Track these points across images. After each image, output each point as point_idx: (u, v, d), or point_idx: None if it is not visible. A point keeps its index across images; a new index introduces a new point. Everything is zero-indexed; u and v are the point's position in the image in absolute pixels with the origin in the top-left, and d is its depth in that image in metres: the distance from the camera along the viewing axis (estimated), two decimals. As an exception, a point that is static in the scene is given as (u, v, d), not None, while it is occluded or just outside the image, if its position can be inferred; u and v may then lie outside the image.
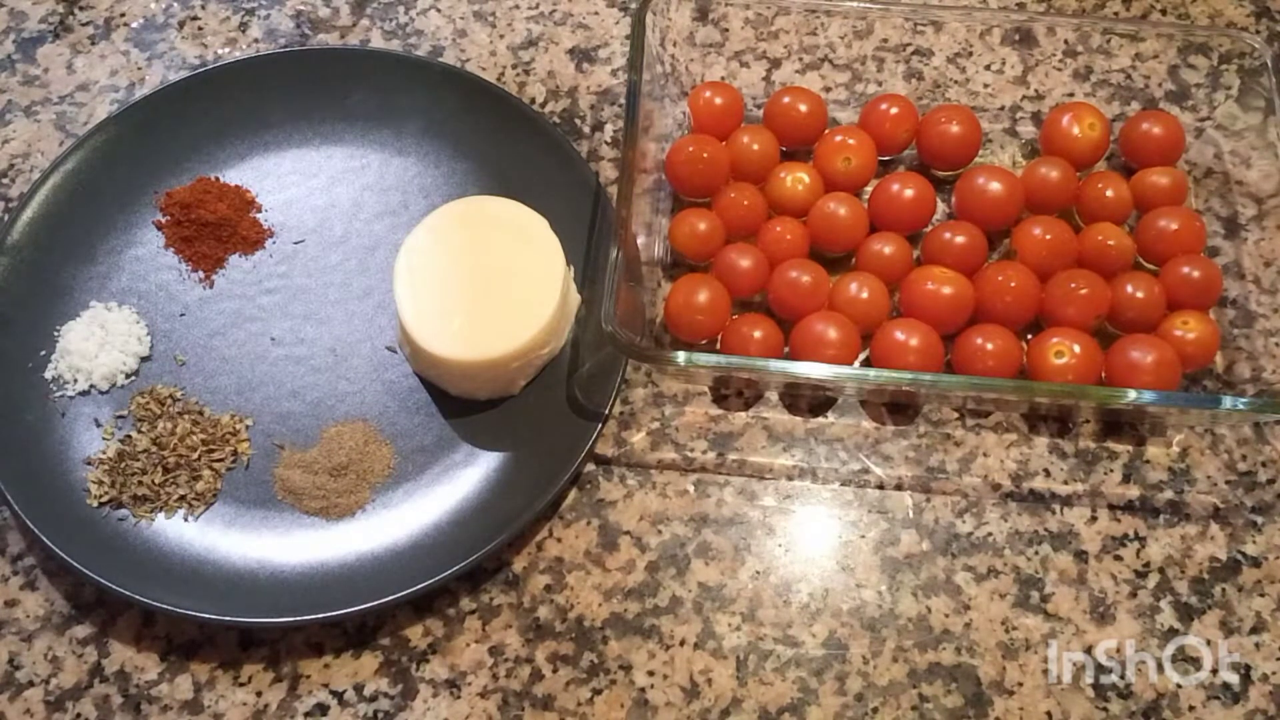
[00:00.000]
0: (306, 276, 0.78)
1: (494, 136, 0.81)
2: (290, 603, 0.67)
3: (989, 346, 0.71)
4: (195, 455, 0.72)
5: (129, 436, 0.72)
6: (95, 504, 0.70)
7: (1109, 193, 0.76)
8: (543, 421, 0.72)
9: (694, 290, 0.73)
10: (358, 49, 0.87)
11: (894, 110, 0.79)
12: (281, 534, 0.70)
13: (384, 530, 0.70)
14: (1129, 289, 0.73)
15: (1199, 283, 0.73)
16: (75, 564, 0.66)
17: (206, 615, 0.66)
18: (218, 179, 0.80)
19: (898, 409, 0.74)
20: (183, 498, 0.71)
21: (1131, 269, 0.75)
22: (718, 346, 0.73)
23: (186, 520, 0.70)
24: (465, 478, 0.72)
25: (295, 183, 0.81)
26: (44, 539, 0.67)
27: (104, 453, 0.72)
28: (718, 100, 0.80)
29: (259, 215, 0.80)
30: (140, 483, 0.70)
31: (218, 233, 0.78)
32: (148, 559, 0.69)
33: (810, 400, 0.74)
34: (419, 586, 0.66)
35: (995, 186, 0.76)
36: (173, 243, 0.78)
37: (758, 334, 0.72)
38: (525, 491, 0.70)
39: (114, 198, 0.79)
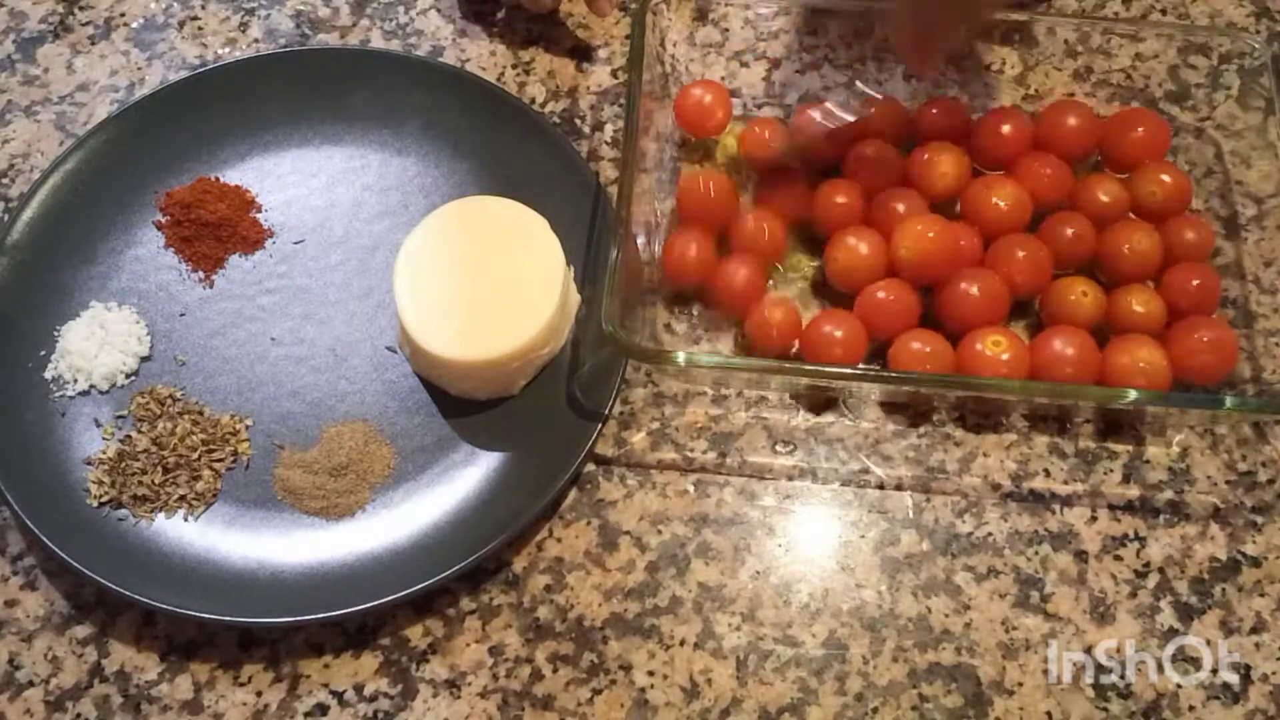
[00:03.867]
0: (306, 276, 0.78)
1: (494, 136, 0.81)
2: (290, 603, 0.67)
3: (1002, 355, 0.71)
4: (195, 455, 0.72)
5: (129, 436, 0.72)
6: (95, 504, 0.70)
7: (1104, 197, 0.76)
8: (543, 421, 0.72)
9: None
10: (358, 49, 0.87)
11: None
12: (281, 534, 0.70)
13: (384, 530, 0.70)
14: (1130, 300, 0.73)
15: (1197, 292, 0.74)
16: (75, 564, 0.66)
17: (206, 615, 0.66)
18: (218, 179, 0.80)
19: (898, 409, 0.74)
20: (182, 498, 0.71)
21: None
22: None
23: (186, 520, 0.70)
24: (465, 477, 0.72)
25: (295, 183, 0.81)
26: (44, 539, 0.67)
27: (104, 453, 0.72)
28: (706, 99, 0.80)
29: (259, 215, 0.80)
30: (140, 483, 0.70)
31: (218, 233, 0.78)
32: (148, 559, 0.69)
33: (810, 400, 0.74)
34: (419, 586, 0.66)
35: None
36: (173, 243, 0.78)
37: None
38: (525, 491, 0.70)
39: (114, 198, 0.79)
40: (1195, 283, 0.74)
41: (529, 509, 0.69)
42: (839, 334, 0.72)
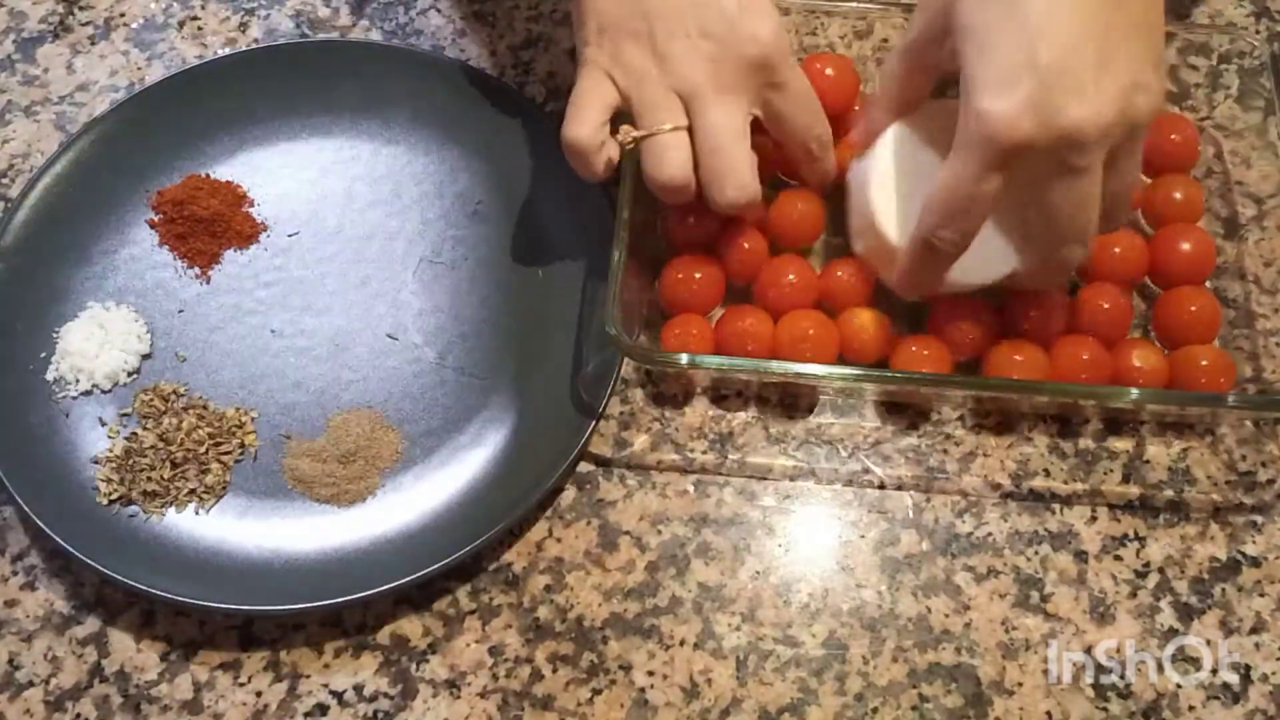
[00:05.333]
0: (303, 268, 0.78)
1: (482, 121, 0.82)
2: (308, 589, 0.67)
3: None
4: (203, 449, 0.72)
5: (135, 434, 0.72)
6: (105, 501, 0.70)
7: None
8: (548, 395, 0.73)
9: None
10: (339, 40, 0.87)
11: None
12: (294, 522, 0.71)
13: (397, 513, 0.71)
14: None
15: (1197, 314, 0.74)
16: (92, 563, 0.66)
17: (229, 606, 0.66)
18: (208, 175, 0.80)
19: (898, 409, 0.74)
20: (193, 491, 0.71)
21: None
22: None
23: (198, 514, 0.71)
24: (472, 459, 0.72)
25: (286, 176, 0.81)
26: (58, 539, 0.67)
27: (111, 450, 0.72)
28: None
29: (252, 210, 0.80)
30: (149, 478, 0.71)
31: (211, 228, 0.78)
32: (161, 553, 0.69)
33: (810, 400, 0.74)
34: (439, 565, 0.67)
35: None
36: (167, 240, 0.78)
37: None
38: (537, 463, 0.70)
39: (105, 198, 0.79)
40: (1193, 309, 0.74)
41: (539, 486, 0.69)
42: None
